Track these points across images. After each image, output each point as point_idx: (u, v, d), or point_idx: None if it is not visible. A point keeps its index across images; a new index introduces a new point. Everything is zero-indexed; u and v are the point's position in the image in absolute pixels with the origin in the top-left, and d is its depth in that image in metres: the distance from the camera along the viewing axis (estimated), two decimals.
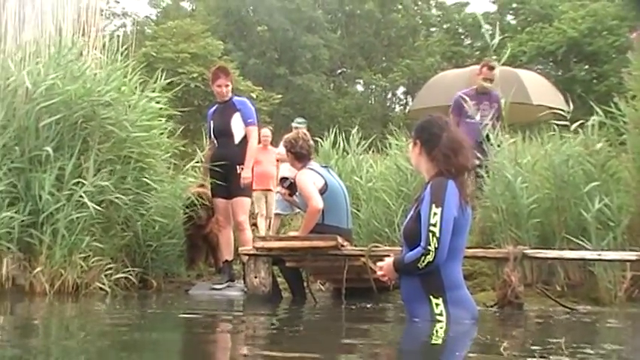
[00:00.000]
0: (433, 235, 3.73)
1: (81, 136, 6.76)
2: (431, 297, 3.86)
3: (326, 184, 6.45)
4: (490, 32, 7.82)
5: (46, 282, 6.21)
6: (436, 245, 3.72)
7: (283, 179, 7.03)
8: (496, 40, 7.67)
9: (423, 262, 3.76)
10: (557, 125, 6.97)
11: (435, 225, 3.73)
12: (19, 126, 6.59)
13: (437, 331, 3.75)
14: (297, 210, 8.76)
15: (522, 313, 5.44)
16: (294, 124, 10.53)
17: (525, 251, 5.66)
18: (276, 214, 10.74)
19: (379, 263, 4.13)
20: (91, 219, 6.46)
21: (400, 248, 4.60)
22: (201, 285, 7.48)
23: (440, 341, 3.64)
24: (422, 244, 3.77)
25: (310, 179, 6.41)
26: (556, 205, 6.74)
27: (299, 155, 6.65)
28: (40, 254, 6.29)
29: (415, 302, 3.93)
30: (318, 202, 6.25)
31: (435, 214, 3.74)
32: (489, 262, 6.33)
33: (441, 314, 3.83)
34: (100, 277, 6.51)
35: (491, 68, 7.79)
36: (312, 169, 6.56)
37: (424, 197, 3.85)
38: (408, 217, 4.01)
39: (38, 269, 6.24)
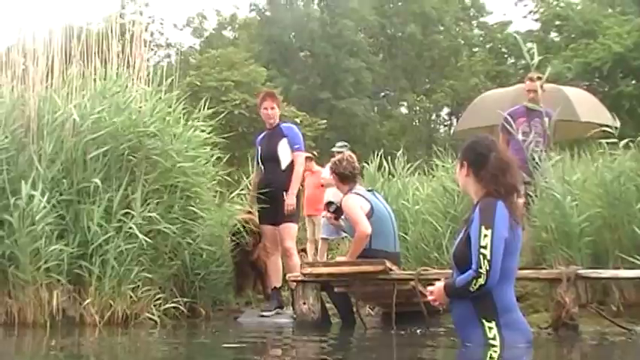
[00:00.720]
0: (484, 258, 3.64)
1: (128, 167, 6.85)
2: (483, 321, 3.76)
3: (372, 208, 6.40)
4: (531, 51, 7.72)
5: (95, 313, 6.26)
6: (487, 268, 3.63)
7: (329, 203, 6.99)
8: (536, 60, 7.58)
9: (475, 285, 3.67)
10: (607, 142, 6.81)
11: (485, 247, 3.64)
12: (66, 158, 6.71)
13: (491, 356, 3.65)
14: (344, 234, 8.71)
15: (577, 335, 5.28)
16: (334, 149, 10.55)
17: (579, 271, 5.51)
18: (323, 239, 10.70)
19: (429, 287, 4.05)
20: (139, 249, 6.50)
21: (450, 271, 4.52)
22: (249, 312, 7.46)
23: None
24: (473, 266, 3.68)
25: (357, 204, 6.35)
26: (608, 223, 6.57)
27: (343, 176, 6.60)
28: (90, 285, 6.35)
29: (467, 326, 3.83)
30: (366, 227, 6.19)
31: (485, 235, 3.65)
32: (541, 283, 6.18)
33: (494, 338, 3.73)
34: (149, 307, 6.54)
35: (532, 79, 7.69)
36: (358, 193, 6.51)
37: (473, 219, 3.77)
38: (458, 239, 3.93)
39: (88, 301, 6.29)
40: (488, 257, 3.64)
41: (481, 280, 3.65)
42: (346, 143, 11.17)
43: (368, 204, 6.42)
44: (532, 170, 7.08)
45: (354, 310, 6.44)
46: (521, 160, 7.36)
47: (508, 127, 7.49)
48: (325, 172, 10.54)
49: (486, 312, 3.76)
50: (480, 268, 3.64)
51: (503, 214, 3.72)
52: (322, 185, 10.36)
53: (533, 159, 7.02)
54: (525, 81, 7.81)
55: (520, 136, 7.43)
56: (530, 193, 7.17)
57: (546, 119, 7.44)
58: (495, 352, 3.69)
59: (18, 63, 7.47)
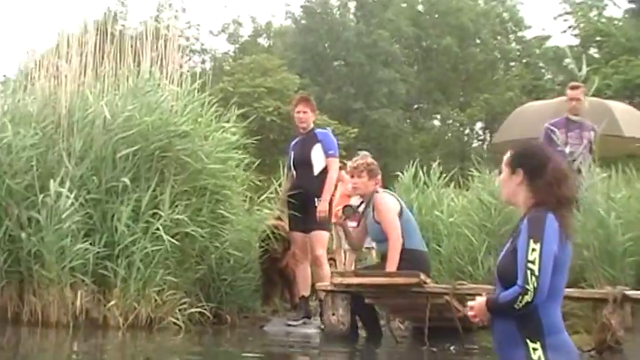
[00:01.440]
0: (532, 273, 3.41)
1: (157, 168, 6.77)
2: (528, 341, 3.52)
3: (402, 207, 6.23)
4: (574, 65, 7.52)
5: (119, 316, 6.17)
6: (535, 284, 3.40)
7: (346, 207, 6.65)
8: (584, 71, 7.36)
9: (521, 302, 3.43)
10: None
11: (533, 262, 3.41)
12: (96, 157, 6.64)
13: None
14: (370, 244, 8.49)
15: (623, 359, 5.03)
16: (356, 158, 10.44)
17: (626, 292, 5.25)
18: (350, 250, 10.44)
19: (470, 303, 3.82)
20: (166, 252, 6.38)
21: (487, 286, 4.30)
22: (276, 321, 7.30)
23: None
24: (519, 282, 3.44)
25: (393, 207, 6.15)
26: None
27: (375, 172, 6.35)
28: (115, 287, 6.27)
29: (509, 347, 3.59)
30: (400, 234, 5.99)
31: (533, 249, 3.42)
32: (583, 303, 5.91)
33: None
34: (174, 311, 6.43)
35: (575, 87, 7.46)
36: (386, 192, 6.35)
37: (521, 231, 3.54)
38: (503, 252, 3.70)
39: (112, 302, 6.21)
40: (537, 273, 3.40)
41: (527, 297, 3.42)
42: (367, 153, 10.98)
43: (398, 203, 6.26)
44: (576, 185, 6.82)
45: (385, 322, 6.23)
46: None
47: (554, 136, 7.24)
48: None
49: (531, 332, 3.52)
50: (527, 284, 3.41)
51: (553, 227, 3.49)
52: (348, 196, 10.16)
53: (580, 172, 6.77)
54: (567, 90, 7.59)
55: (567, 149, 7.17)
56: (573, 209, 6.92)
57: (591, 133, 7.19)
58: None
59: (52, 62, 7.46)
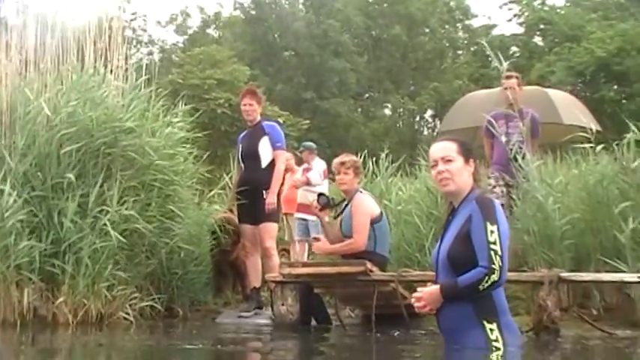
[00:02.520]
0: (495, 254, 3.54)
1: (104, 164, 6.71)
2: (485, 322, 3.65)
3: (380, 213, 6.34)
4: (495, 61, 7.80)
5: (69, 312, 6.14)
6: (500, 264, 3.55)
7: (321, 195, 6.70)
8: (505, 65, 7.62)
9: (487, 282, 3.55)
10: (590, 146, 6.77)
11: (494, 243, 3.56)
12: (39, 153, 6.55)
13: (497, 358, 3.56)
14: (316, 235, 8.59)
15: (559, 338, 5.21)
16: (302, 148, 10.80)
17: (561, 274, 5.45)
18: (300, 240, 10.51)
19: (416, 294, 3.90)
20: (114, 247, 6.36)
21: (430, 272, 4.41)
22: (228, 313, 7.34)
23: None
24: (483, 263, 3.56)
25: (369, 210, 6.23)
26: (590, 226, 6.56)
27: (360, 171, 6.50)
28: (63, 284, 6.21)
29: (464, 329, 3.70)
30: (363, 243, 6.10)
31: (492, 232, 3.57)
32: (523, 286, 6.11)
33: (497, 340, 3.62)
34: (125, 306, 6.43)
35: (509, 77, 7.66)
36: (369, 194, 6.44)
37: (471, 216, 3.66)
38: (447, 239, 3.79)
39: (61, 299, 6.16)
40: (499, 253, 3.55)
41: (494, 277, 3.54)
42: (312, 144, 11.08)
43: (378, 208, 6.36)
44: (515, 172, 7.01)
45: (334, 311, 6.33)
46: (503, 162, 7.33)
47: (492, 129, 7.43)
48: (297, 174, 10.45)
49: (488, 313, 3.65)
50: (493, 264, 3.54)
51: (501, 211, 3.67)
52: (295, 187, 10.24)
53: (516, 160, 6.96)
54: (502, 80, 7.78)
55: (503, 138, 7.36)
56: (513, 196, 7.12)
57: (526, 120, 7.37)
58: (499, 354, 3.59)
59: None
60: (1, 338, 5.68)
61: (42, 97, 6.72)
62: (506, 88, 7.61)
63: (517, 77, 7.72)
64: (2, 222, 6.04)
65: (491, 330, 3.65)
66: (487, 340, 3.63)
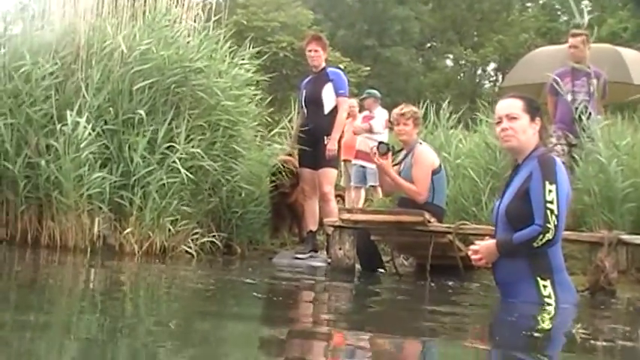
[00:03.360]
0: (552, 213, 3.62)
1: (173, 102, 6.90)
2: (539, 279, 3.74)
3: (440, 164, 6.40)
4: (583, 9, 7.54)
5: (135, 243, 6.39)
6: (556, 223, 3.63)
7: (381, 144, 6.70)
8: (586, 19, 7.39)
9: (542, 240, 3.64)
10: None
11: (552, 202, 3.63)
12: (113, 88, 6.75)
13: (548, 313, 3.67)
14: (373, 183, 8.56)
15: (614, 300, 5.24)
16: (366, 95, 10.88)
17: (621, 236, 5.43)
18: (356, 187, 10.61)
19: (477, 242, 3.99)
20: (180, 184, 6.57)
21: (489, 227, 4.47)
22: (284, 254, 7.51)
23: (551, 324, 3.55)
24: (539, 221, 3.64)
25: (430, 162, 6.30)
26: None
27: (420, 122, 6.57)
28: (131, 215, 6.46)
29: (518, 283, 3.80)
30: (425, 195, 6.18)
31: (550, 191, 3.64)
32: (581, 246, 6.11)
33: (549, 296, 3.73)
34: (187, 240, 6.64)
35: (575, 35, 7.46)
36: (429, 145, 6.51)
37: (531, 174, 3.71)
38: (507, 195, 3.85)
39: (128, 230, 6.41)
40: (556, 212, 3.62)
41: (549, 235, 3.62)
42: (375, 92, 11.07)
43: (438, 160, 6.43)
44: (579, 132, 6.94)
45: (390, 258, 6.45)
46: (567, 121, 7.26)
47: (557, 87, 7.33)
48: (358, 121, 10.49)
49: (542, 270, 3.74)
50: (548, 222, 3.62)
51: (562, 169, 3.71)
52: (355, 133, 10.30)
53: (581, 120, 6.88)
54: (568, 38, 7.61)
55: (569, 97, 7.26)
56: (575, 156, 7.06)
57: (594, 80, 7.25)
58: (551, 309, 3.69)
59: None
60: (73, 262, 5.96)
61: (119, 33, 6.88)
62: (571, 46, 7.46)
63: (585, 35, 7.52)
64: (77, 153, 6.29)
65: (544, 286, 3.73)
66: (540, 295, 3.73)
